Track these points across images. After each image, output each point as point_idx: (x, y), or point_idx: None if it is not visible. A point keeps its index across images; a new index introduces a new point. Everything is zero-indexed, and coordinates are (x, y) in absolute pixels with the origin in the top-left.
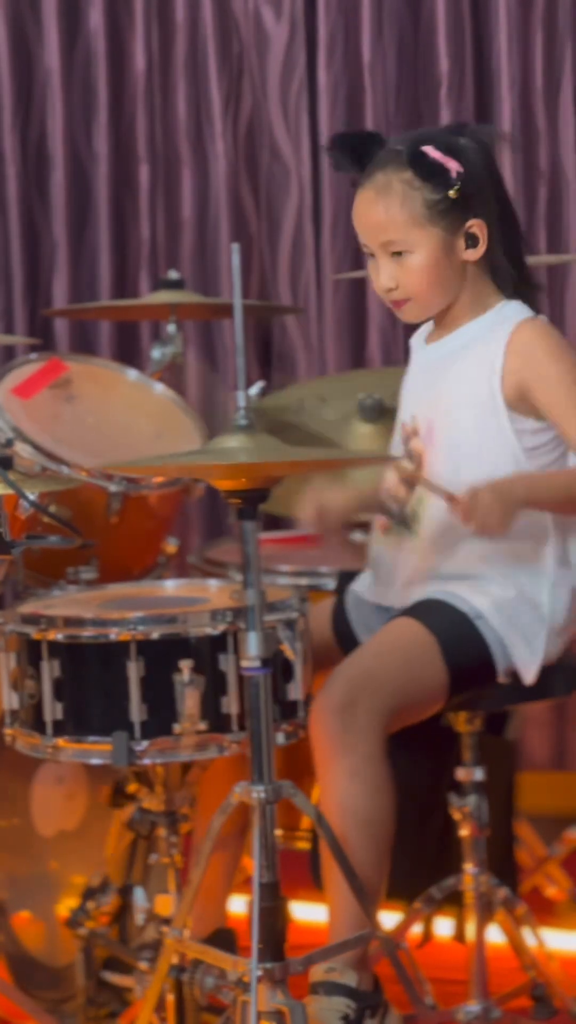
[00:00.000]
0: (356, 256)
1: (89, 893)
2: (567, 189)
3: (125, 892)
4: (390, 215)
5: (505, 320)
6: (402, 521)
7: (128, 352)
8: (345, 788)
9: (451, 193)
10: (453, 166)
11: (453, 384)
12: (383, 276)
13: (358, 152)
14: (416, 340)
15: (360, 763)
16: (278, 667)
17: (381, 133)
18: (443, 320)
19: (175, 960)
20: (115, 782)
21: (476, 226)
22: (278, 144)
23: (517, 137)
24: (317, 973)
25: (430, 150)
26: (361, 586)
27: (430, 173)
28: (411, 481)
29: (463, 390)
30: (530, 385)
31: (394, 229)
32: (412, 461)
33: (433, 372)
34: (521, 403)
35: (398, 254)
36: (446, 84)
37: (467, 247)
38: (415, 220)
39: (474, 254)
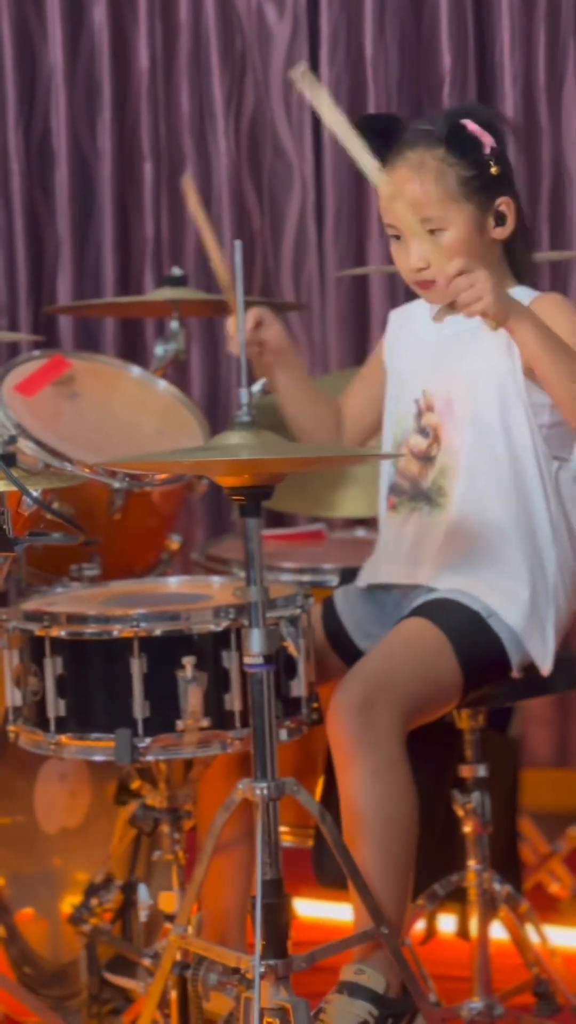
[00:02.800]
0: (359, 253)
1: (92, 890)
2: (570, 185)
3: (128, 889)
4: (426, 191)
5: (521, 297)
6: (425, 497)
7: (132, 349)
8: (366, 788)
9: (492, 169)
10: (488, 141)
11: (473, 359)
12: (413, 256)
13: (381, 135)
14: (411, 316)
15: (380, 763)
16: (281, 664)
17: (401, 118)
18: None
19: (178, 956)
20: (119, 779)
21: (504, 204)
22: (281, 141)
23: (519, 135)
24: (346, 972)
25: (469, 123)
26: (369, 575)
27: (466, 148)
28: (427, 456)
29: (485, 365)
30: None
31: (430, 206)
32: (427, 436)
33: (446, 348)
34: (534, 374)
35: (431, 233)
36: (449, 80)
37: (496, 225)
38: (450, 196)
39: (502, 232)
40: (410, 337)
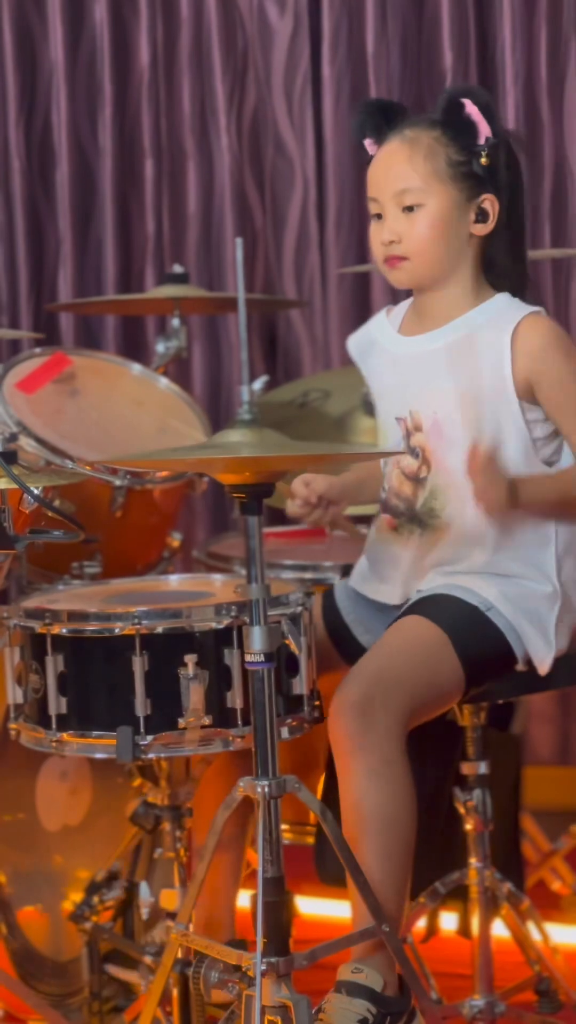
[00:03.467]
0: (361, 250)
1: (94, 887)
2: (571, 182)
3: (130, 887)
4: (412, 164)
5: (503, 312)
6: (416, 519)
7: (133, 346)
8: (365, 788)
9: (482, 160)
10: (484, 129)
11: (458, 379)
12: (386, 229)
13: (384, 117)
14: (375, 337)
15: (380, 763)
16: (282, 661)
17: (405, 106)
18: (429, 311)
19: (180, 954)
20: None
21: (488, 201)
22: (282, 138)
23: (520, 133)
24: (344, 972)
25: (468, 104)
26: (361, 584)
27: (461, 129)
28: (417, 477)
29: (474, 384)
30: (538, 381)
31: (413, 177)
32: (416, 457)
33: (427, 365)
34: (529, 394)
35: (408, 210)
36: (450, 78)
37: (476, 220)
38: (435, 173)
39: (482, 229)
40: (381, 356)
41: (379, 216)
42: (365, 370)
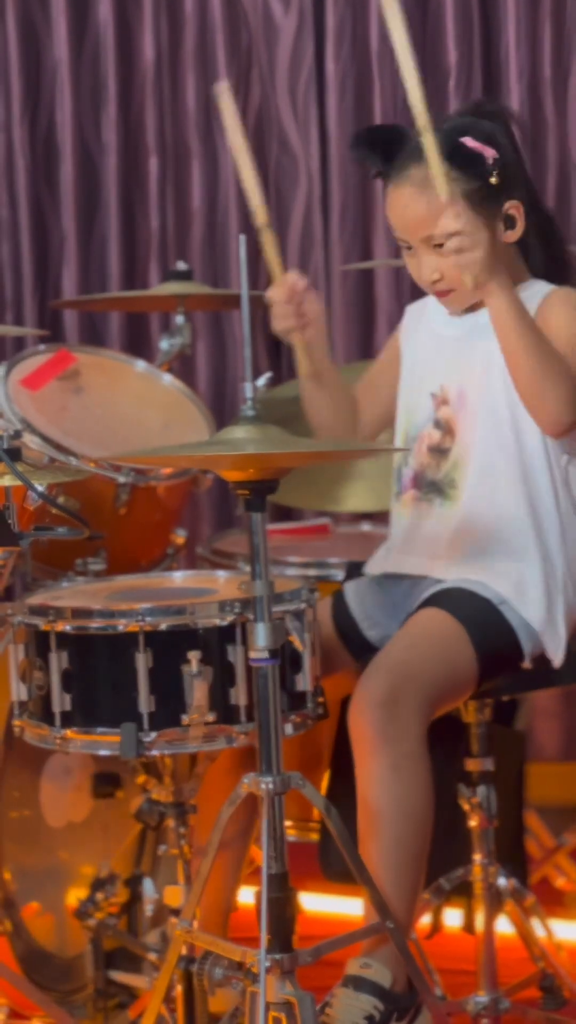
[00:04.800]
0: (364, 247)
1: (98, 884)
2: (575, 179)
3: (134, 883)
4: (431, 209)
5: (535, 294)
6: (438, 489)
7: (137, 343)
8: (387, 781)
9: (492, 180)
10: (490, 153)
11: (485, 353)
12: (426, 270)
13: (383, 147)
14: (426, 311)
15: (402, 757)
16: (286, 658)
17: (405, 128)
18: None
19: (184, 951)
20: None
21: (513, 207)
22: (287, 135)
23: (524, 129)
24: (352, 966)
25: (468, 141)
26: (379, 564)
27: (467, 162)
28: (440, 448)
29: (497, 359)
30: (554, 336)
31: (436, 221)
32: (440, 428)
33: (461, 344)
34: None
35: (440, 246)
36: (455, 75)
37: (506, 229)
38: None
39: (513, 235)
40: (426, 332)
41: (409, 248)
42: (406, 338)
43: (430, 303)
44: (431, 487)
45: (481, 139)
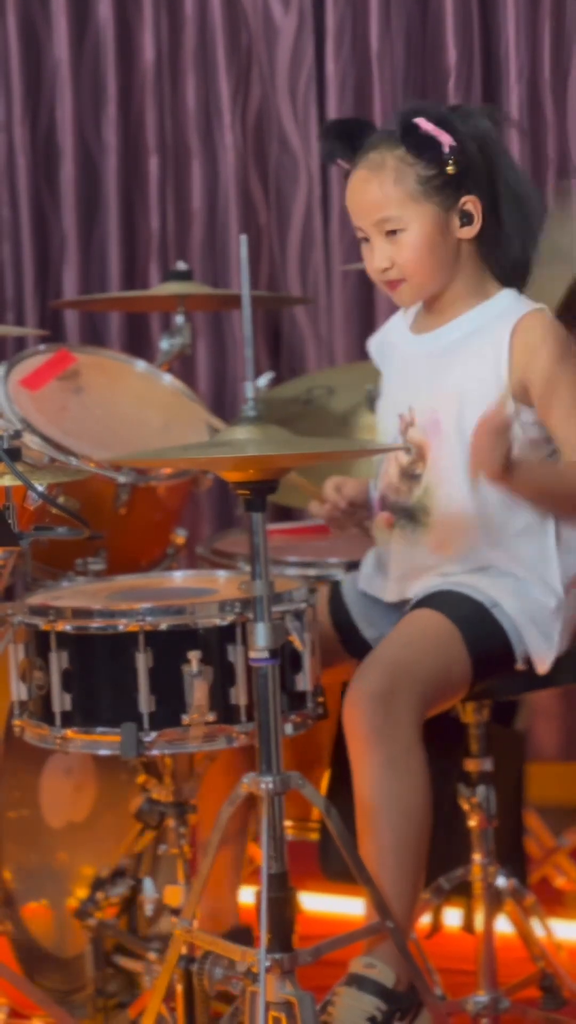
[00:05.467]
0: None
1: (98, 884)
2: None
3: (134, 883)
4: (384, 192)
5: (506, 311)
6: (408, 515)
7: (138, 343)
8: (383, 778)
9: (448, 168)
10: (445, 139)
11: (459, 377)
12: (377, 256)
13: (350, 138)
14: (391, 337)
15: (398, 753)
16: (286, 658)
17: (371, 121)
18: (435, 308)
19: (184, 951)
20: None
21: (470, 203)
22: (287, 135)
23: (524, 129)
24: (356, 965)
25: (422, 122)
26: (364, 581)
27: (422, 146)
28: (412, 473)
29: (471, 383)
30: (531, 382)
31: (388, 206)
32: (410, 453)
33: (431, 363)
34: (525, 395)
35: (392, 233)
36: (454, 75)
37: (461, 225)
38: (409, 196)
39: (469, 232)
40: (395, 355)
41: (366, 239)
42: (383, 369)
43: (391, 330)
44: (403, 513)
45: (434, 122)
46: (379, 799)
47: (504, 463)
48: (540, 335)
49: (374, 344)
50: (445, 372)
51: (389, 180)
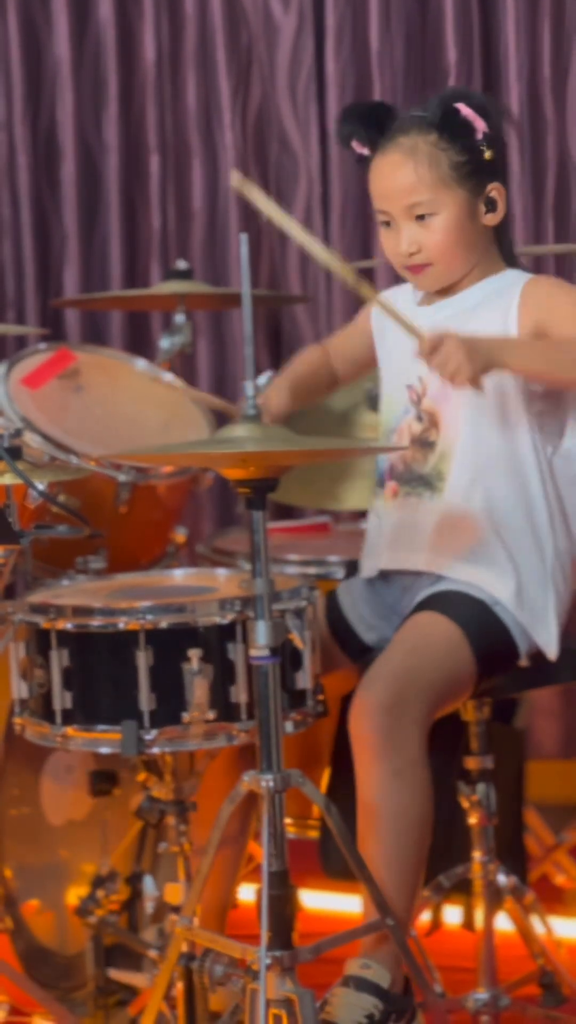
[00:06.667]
0: (365, 245)
1: (98, 882)
2: (575, 178)
3: (134, 881)
4: (419, 175)
5: (513, 283)
6: (425, 482)
7: (138, 342)
8: (387, 787)
9: (486, 155)
10: (481, 126)
11: None
12: (404, 241)
13: (371, 123)
14: (395, 301)
15: (405, 764)
16: (287, 656)
17: (393, 105)
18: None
19: (184, 948)
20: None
21: (496, 190)
22: (287, 134)
23: (524, 128)
24: (352, 966)
25: (462, 107)
26: (368, 568)
27: (459, 132)
28: (426, 440)
29: None
30: (539, 319)
31: (422, 190)
32: (423, 421)
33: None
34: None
35: (421, 218)
36: (454, 73)
37: (487, 211)
38: (443, 181)
39: (493, 218)
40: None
41: (388, 224)
42: (378, 329)
43: (401, 294)
44: (419, 480)
45: (476, 109)
46: (384, 807)
47: (467, 360)
48: (548, 286)
49: (383, 298)
50: None
51: (423, 164)
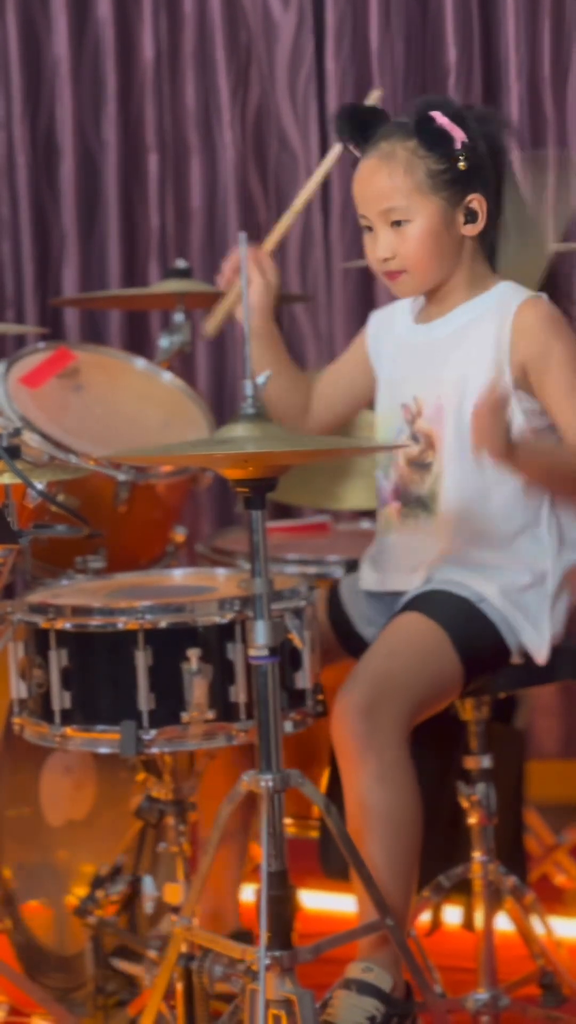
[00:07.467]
0: None
1: (98, 882)
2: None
3: (134, 881)
4: (393, 181)
5: (507, 300)
6: (422, 503)
7: (138, 341)
8: (371, 790)
9: (460, 165)
10: (458, 135)
11: (461, 365)
12: (380, 246)
13: (363, 125)
14: (393, 318)
15: (386, 766)
16: (286, 656)
17: (384, 110)
18: (435, 299)
19: (184, 948)
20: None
21: (476, 201)
22: (286, 133)
23: (524, 127)
24: (353, 970)
25: (438, 116)
26: (367, 581)
27: (435, 140)
28: (422, 462)
29: (472, 370)
30: (531, 366)
31: (396, 196)
32: (419, 442)
33: (433, 352)
34: (526, 383)
35: (397, 224)
36: (454, 73)
37: (466, 222)
38: (417, 187)
39: (472, 229)
40: (395, 341)
41: (370, 229)
42: (374, 347)
43: (396, 312)
44: (416, 502)
45: (449, 117)
46: (368, 812)
47: (505, 440)
48: (538, 319)
49: (380, 316)
50: (446, 360)
51: (399, 170)
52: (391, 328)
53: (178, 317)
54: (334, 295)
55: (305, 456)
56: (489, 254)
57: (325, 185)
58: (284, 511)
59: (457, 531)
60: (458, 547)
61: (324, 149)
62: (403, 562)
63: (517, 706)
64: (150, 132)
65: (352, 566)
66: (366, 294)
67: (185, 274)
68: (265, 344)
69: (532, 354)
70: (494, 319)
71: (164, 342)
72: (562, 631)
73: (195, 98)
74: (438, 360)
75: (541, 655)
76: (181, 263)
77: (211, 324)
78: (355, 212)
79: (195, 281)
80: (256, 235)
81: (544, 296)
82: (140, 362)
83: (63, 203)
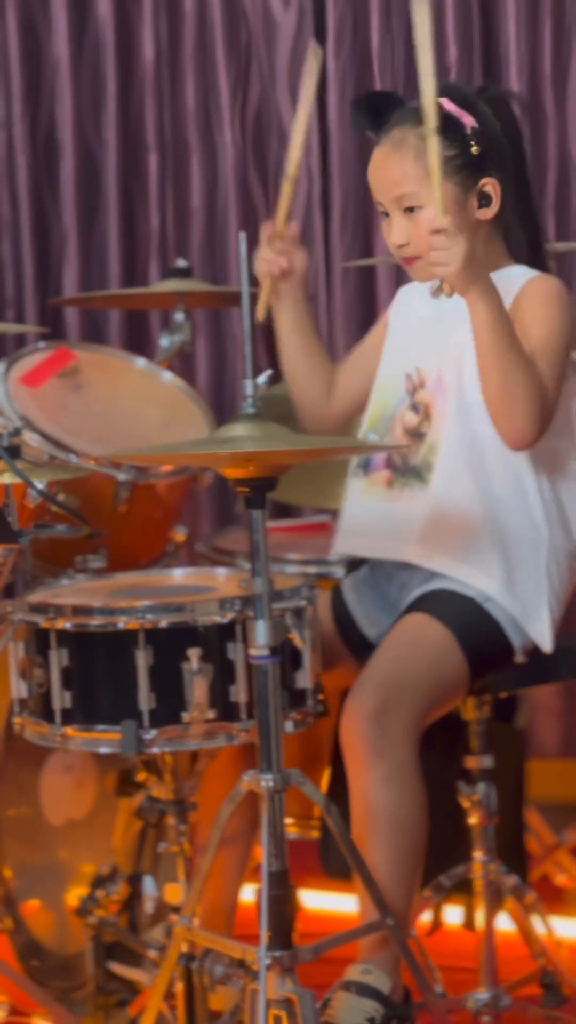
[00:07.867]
0: (365, 244)
1: (98, 881)
2: (575, 175)
3: (134, 880)
4: (404, 169)
5: (515, 280)
6: (415, 473)
7: (138, 340)
8: (379, 793)
9: (473, 149)
10: (468, 120)
11: (463, 336)
12: (395, 232)
13: (378, 112)
14: (415, 292)
15: (394, 770)
16: (286, 655)
17: (400, 96)
18: None
19: (184, 948)
20: (122, 771)
21: (489, 185)
22: (287, 132)
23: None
24: (353, 972)
25: (445, 102)
26: (354, 546)
27: (444, 125)
28: (417, 432)
29: (471, 341)
30: (519, 327)
31: (408, 182)
32: (418, 412)
33: (439, 325)
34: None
35: (410, 210)
36: (454, 71)
37: (480, 206)
38: (428, 174)
39: (486, 213)
40: (410, 313)
41: (386, 215)
42: (394, 318)
43: (420, 285)
44: (410, 472)
45: (458, 103)
46: (375, 815)
47: (464, 263)
48: (543, 290)
49: (405, 290)
50: (449, 334)
51: (410, 157)
52: (410, 301)
53: (178, 316)
54: (334, 294)
55: (305, 456)
56: (506, 236)
57: (325, 185)
58: (284, 511)
59: (450, 503)
60: (451, 521)
61: (325, 148)
62: (395, 530)
63: (518, 706)
64: (150, 132)
65: (352, 565)
66: (366, 294)
67: (185, 274)
68: (293, 325)
69: (523, 318)
70: (502, 295)
71: (164, 342)
72: (561, 613)
73: (195, 98)
74: (442, 332)
75: (546, 644)
76: (181, 263)
77: (260, 309)
78: (355, 212)
79: (195, 281)
80: (256, 235)
81: (555, 281)
82: (140, 362)
83: (63, 203)
